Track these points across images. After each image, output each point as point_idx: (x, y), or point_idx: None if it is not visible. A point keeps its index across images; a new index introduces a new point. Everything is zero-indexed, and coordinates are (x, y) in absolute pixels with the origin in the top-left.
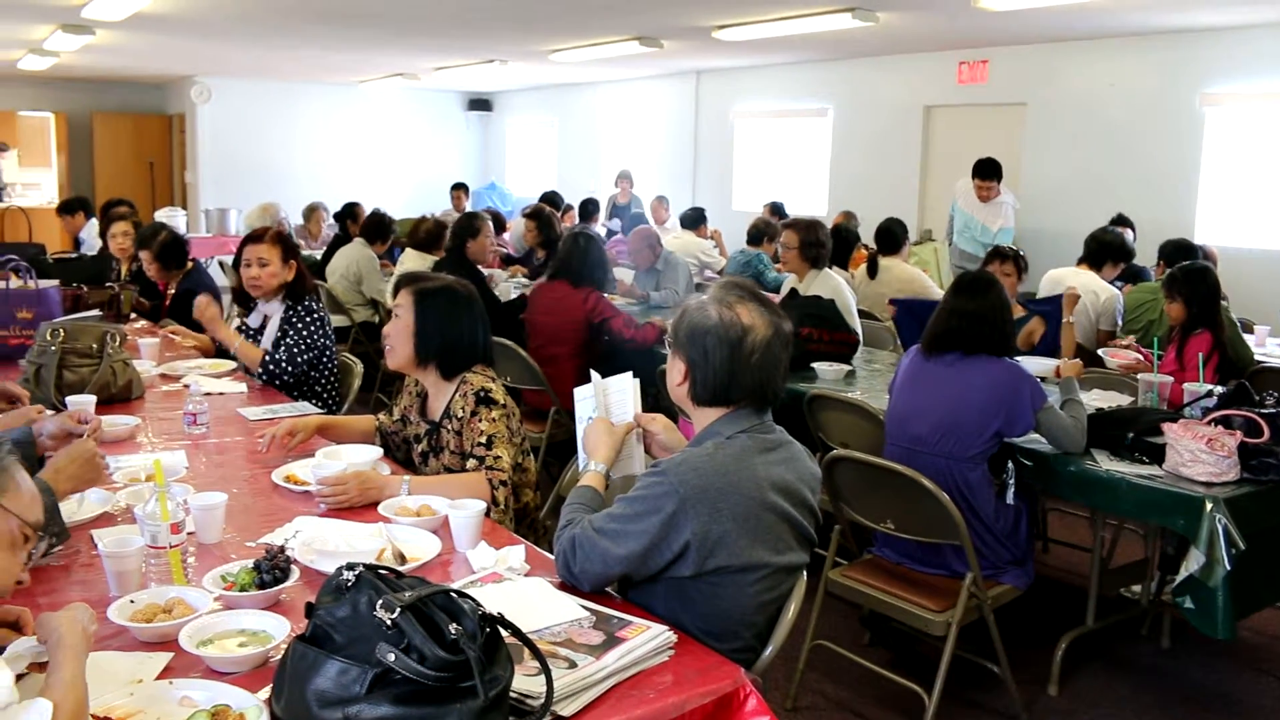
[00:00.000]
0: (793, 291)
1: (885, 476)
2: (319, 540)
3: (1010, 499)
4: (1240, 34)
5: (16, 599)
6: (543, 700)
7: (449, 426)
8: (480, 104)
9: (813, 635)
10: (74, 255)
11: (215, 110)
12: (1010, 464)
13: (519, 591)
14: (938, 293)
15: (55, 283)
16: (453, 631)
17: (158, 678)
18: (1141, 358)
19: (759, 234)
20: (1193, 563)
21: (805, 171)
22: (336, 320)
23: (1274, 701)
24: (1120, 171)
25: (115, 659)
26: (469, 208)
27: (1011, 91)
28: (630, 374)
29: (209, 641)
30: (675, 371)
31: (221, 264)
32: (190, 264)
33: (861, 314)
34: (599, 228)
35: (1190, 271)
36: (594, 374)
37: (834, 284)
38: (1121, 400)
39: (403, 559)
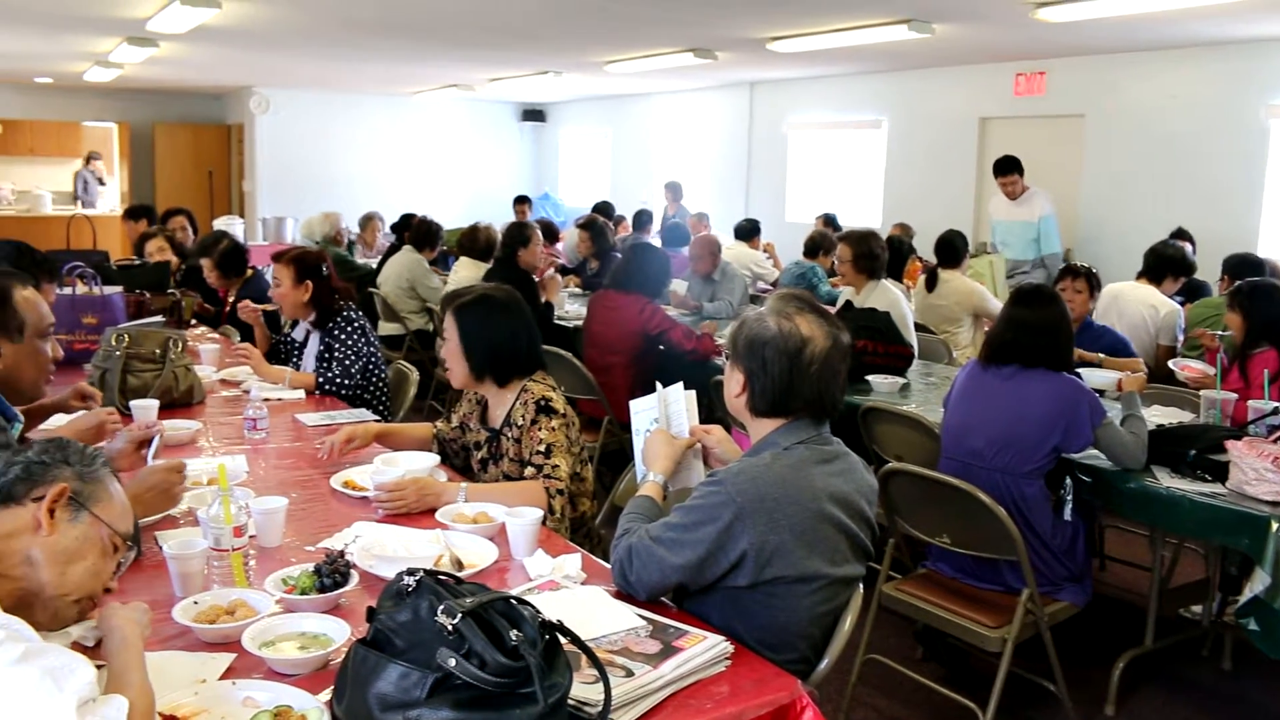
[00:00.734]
0: (847, 304)
1: (941, 490)
2: (378, 545)
3: (1068, 515)
4: None
5: None
6: (600, 708)
7: (509, 434)
8: (534, 115)
9: (865, 649)
10: (137, 262)
11: (273, 120)
12: (1068, 479)
13: (576, 599)
14: (997, 305)
15: (119, 289)
16: (513, 638)
17: (221, 678)
18: (1208, 368)
19: (815, 246)
20: (1257, 583)
21: (859, 183)
22: (390, 328)
23: None
24: (1181, 184)
25: (179, 659)
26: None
27: (1070, 103)
28: (682, 385)
29: (270, 643)
30: (733, 382)
31: None
32: (250, 271)
33: (917, 327)
34: (653, 239)
35: (1258, 288)
36: (659, 385)
37: (891, 297)
38: (1183, 416)
39: (460, 565)
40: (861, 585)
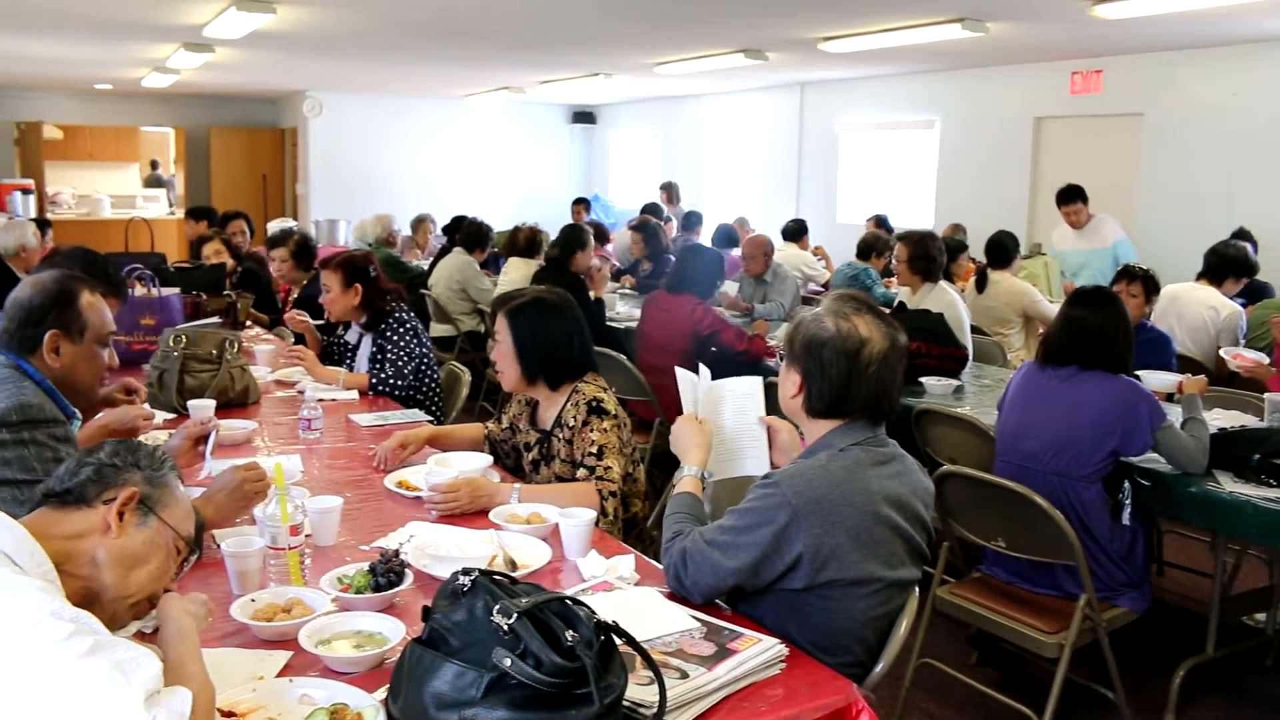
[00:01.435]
0: (900, 305)
1: (997, 494)
2: (432, 545)
3: (1126, 519)
4: None
5: None
6: (655, 710)
7: (560, 435)
8: (584, 116)
9: (919, 653)
10: (194, 265)
11: (326, 124)
12: (1126, 483)
13: (630, 600)
14: (1049, 307)
15: (176, 290)
16: (569, 638)
17: (278, 675)
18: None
19: (868, 247)
20: None
21: (911, 184)
22: (442, 329)
23: None
24: (1242, 184)
25: (237, 655)
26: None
27: (1127, 102)
28: (709, 373)
29: (326, 641)
30: (789, 383)
31: None
32: (313, 271)
33: (973, 329)
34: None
35: None
36: (702, 367)
37: (948, 299)
38: (1245, 420)
39: (514, 565)
40: (916, 589)
